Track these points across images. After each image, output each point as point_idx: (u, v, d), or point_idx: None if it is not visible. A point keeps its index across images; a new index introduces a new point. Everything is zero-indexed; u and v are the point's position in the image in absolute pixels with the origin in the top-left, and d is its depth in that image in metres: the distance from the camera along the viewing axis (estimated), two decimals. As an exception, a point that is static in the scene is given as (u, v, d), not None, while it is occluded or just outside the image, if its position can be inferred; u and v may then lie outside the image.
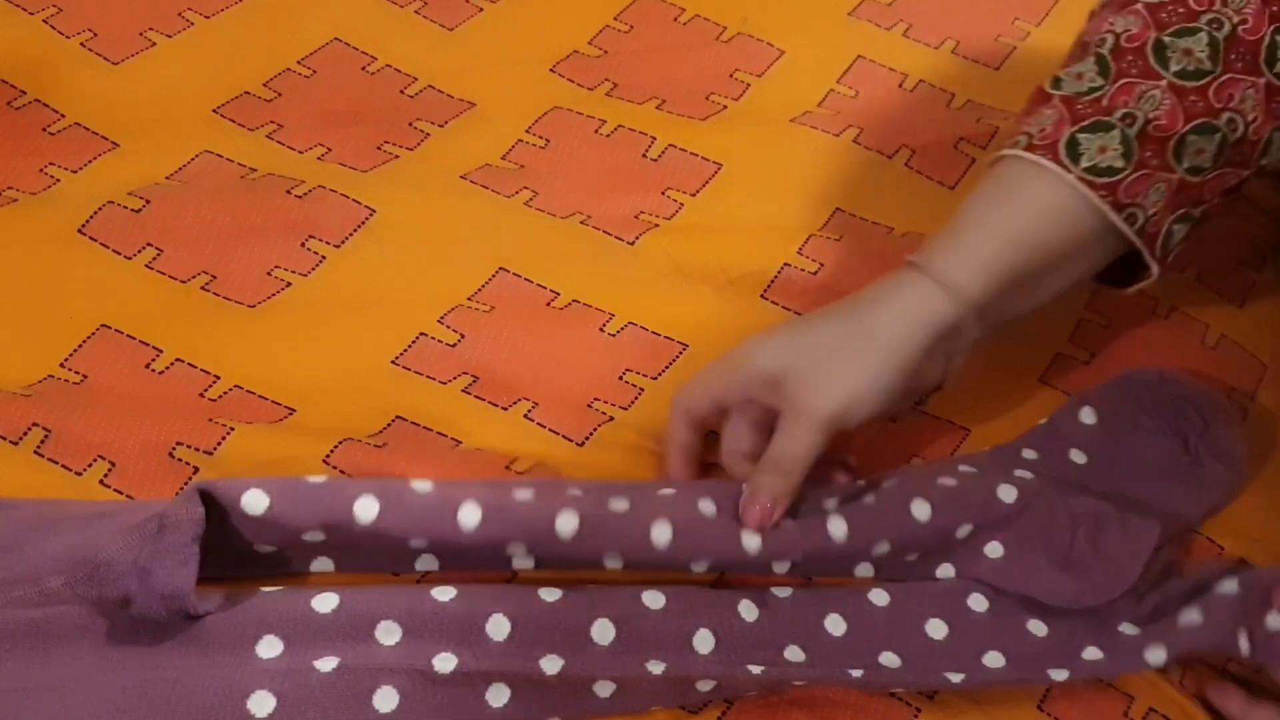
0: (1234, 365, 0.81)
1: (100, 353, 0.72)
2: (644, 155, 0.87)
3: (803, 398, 0.65)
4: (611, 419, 0.72)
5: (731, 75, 0.94)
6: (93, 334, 0.73)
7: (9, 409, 0.68)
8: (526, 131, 0.88)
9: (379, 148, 0.86)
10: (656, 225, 0.82)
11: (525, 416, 0.72)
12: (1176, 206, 0.69)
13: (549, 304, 0.77)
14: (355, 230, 0.79)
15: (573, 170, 0.85)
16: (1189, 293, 0.83)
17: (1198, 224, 0.71)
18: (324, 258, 0.78)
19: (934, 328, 0.66)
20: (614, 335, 0.76)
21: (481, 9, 0.97)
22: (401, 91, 0.90)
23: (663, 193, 0.84)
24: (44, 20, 0.90)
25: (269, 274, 0.76)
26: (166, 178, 0.82)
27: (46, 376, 0.71)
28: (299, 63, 0.91)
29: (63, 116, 0.85)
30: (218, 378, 0.71)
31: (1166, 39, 0.67)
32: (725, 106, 0.92)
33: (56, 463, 0.67)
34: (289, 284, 0.76)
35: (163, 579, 0.57)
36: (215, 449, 0.68)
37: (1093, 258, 0.69)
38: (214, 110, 0.87)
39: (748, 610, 0.64)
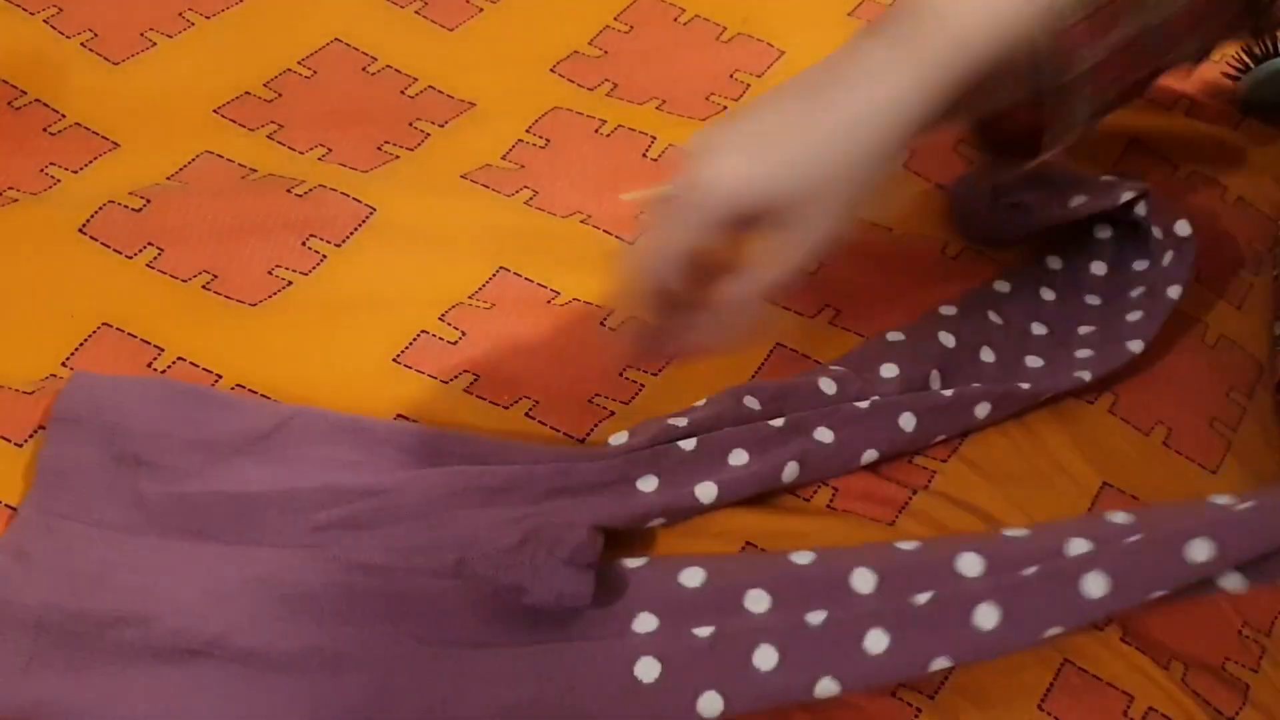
0: (1233, 365, 0.81)
1: (101, 352, 0.72)
2: (644, 155, 0.87)
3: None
4: (612, 414, 0.72)
5: (731, 75, 0.94)
6: (94, 333, 0.73)
7: (12, 409, 0.68)
8: (526, 131, 0.88)
9: (379, 148, 0.86)
10: (657, 225, 0.82)
11: (526, 415, 0.72)
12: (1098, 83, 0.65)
13: (549, 302, 0.77)
14: (356, 229, 0.79)
15: (573, 170, 0.85)
16: (1188, 293, 0.83)
17: (1100, 116, 0.68)
18: (325, 257, 0.78)
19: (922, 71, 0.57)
20: (614, 330, 0.76)
21: (481, 9, 0.97)
22: (402, 92, 0.90)
23: (663, 193, 0.85)
24: (44, 20, 0.90)
25: (270, 273, 0.77)
26: (167, 178, 0.82)
27: (48, 376, 0.71)
28: (299, 63, 0.91)
29: (63, 116, 0.85)
30: (219, 376, 0.72)
31: None
32: (725, 107, 0.92)
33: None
34: (290, 283, 0.76)
35: (565, 582, 0.60)
36: (216, 447, 0.68)
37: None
38: (214, 110, 0.87)
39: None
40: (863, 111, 0.56)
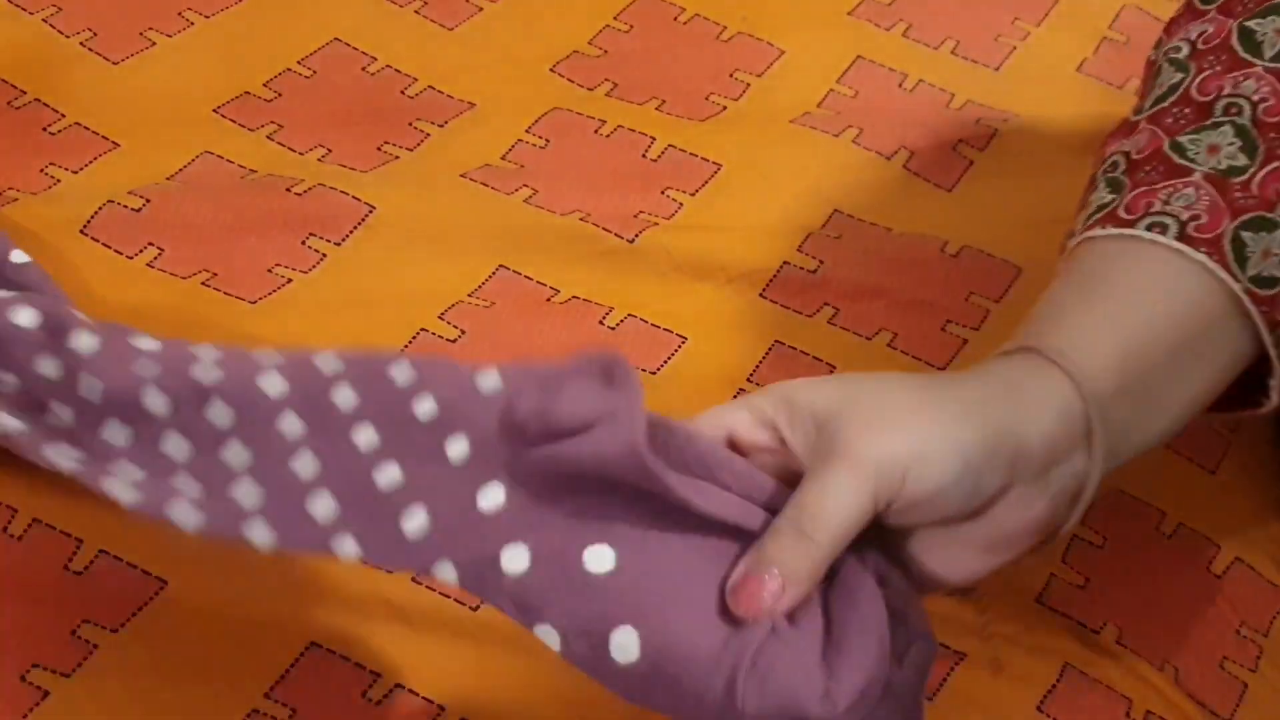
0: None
1: (100, 351, 0.72)
2: (644, 155, 0.87)
3: (849, 435, 0.48)
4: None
5: (731, 75, 0.94)
6: (93, 332, 0.73)
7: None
8: (526, 131, 0.88)
9: (379, 148, 0.86)
10: (656, 224, 0.82)
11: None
12: None
13: (548, 300, 0.77)
14: (356, 227, 0.79)
15: (572, 170, 0.86)
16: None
17: None
18: (325, 255, 0.78)
19: (1055, 418, 0.51)
20: (613, 328, 0.76)
21: (481, 9, 0.97)
22: (401, 91, 0.90)
23: (662, 192, 0.85)
24: (44, 20, 0.90)
25: (270, 271, 0.77)
26: (167, 178, 0.82)
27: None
28: (299, 63, 0.91)
29: (63, 116, 0.85)
30: (218, 376, 0.72)
31: None
32: (725, 107, 0.92)
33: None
34: (289, 280, 0.76)
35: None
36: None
37: (1222, 365, 0.56)
38: (214, 110, 0.87)
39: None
40: (1012, 426, 0.50)
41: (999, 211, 0.87)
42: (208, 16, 0.92)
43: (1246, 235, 0.55)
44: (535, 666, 0.62)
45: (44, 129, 0.84)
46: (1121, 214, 0.56)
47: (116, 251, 0.77)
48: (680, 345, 0.76)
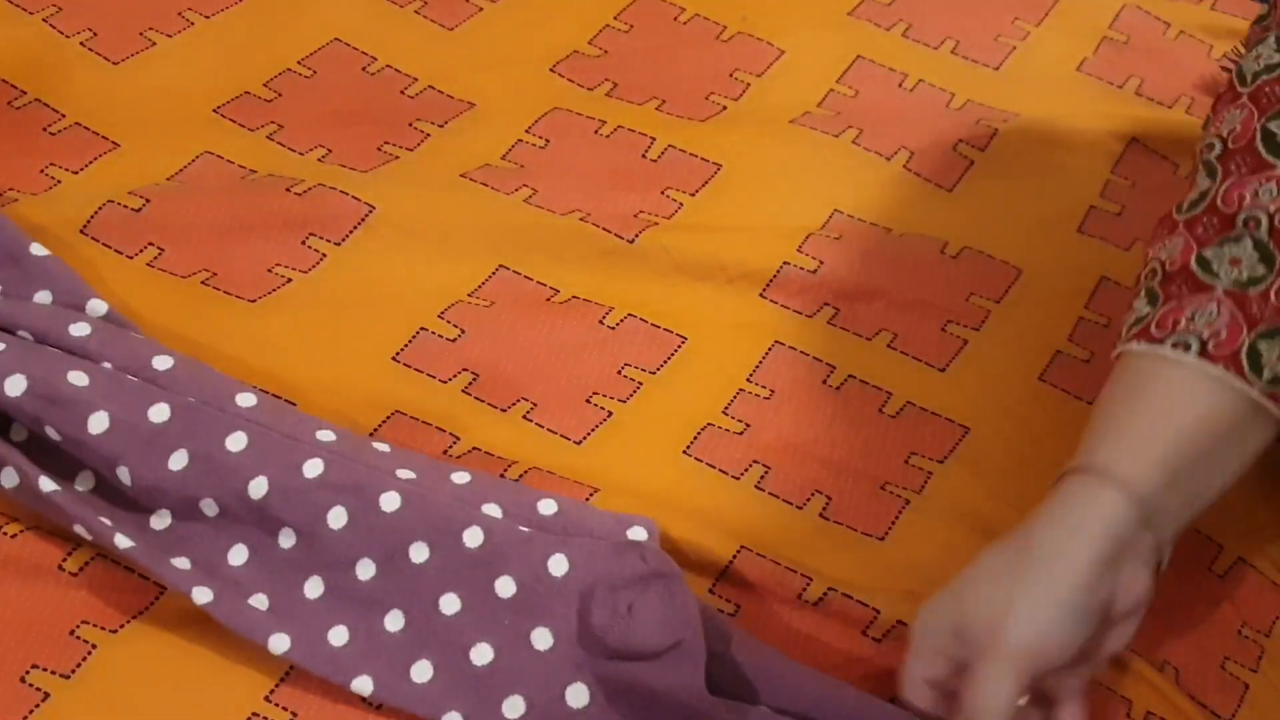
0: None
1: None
2: (644, 155, 0.87)
3: (987, 640, 0.59)
4: (610, 414, 0.72)
5: (731, 75, 0.94)
6: (93, 332, 0.73)
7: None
8: (526, 131, 0.88)
9: (379, 148, 0.86)
10: (656, 224, 0.82)
11: (524, 418, 0.72)
12: None
13: (548, 300, 0.77)
14: (355, 227, 0.79)
15: (572, 170, 0.85)
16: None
17: None
18: (325, 255, 0.78)
19: (1108, 531, 0.60)
20: (613, 328, 0.76)
21: (481, 9, 0.97)
22: (402, 91, 0.90)
23: (662, 192, 0.84)
24: (44, 20, 0.90)
25: (269, 271, 0.77)
26: (167, 178, 0.82)
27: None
28: (299, 63, 0.91)
29: (63, 116, 0.85)
30: (218, 374, 0.72)
31: None
32: (725, 107, 0.92)
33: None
34: (289, 280, 0.76)
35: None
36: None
37: (1255, 448, 0.64)
38: (214, 110, 0.87)
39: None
40: (1078, 581, 0.60)
41: (999, 212, 0.86)
42: (208, 16, 0.92)
43: (1262, 345, 0.62)
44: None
45: (44, 129, 0.84)
46: (1153, 331, 0.64)
47: (116, 251, 0.77)
48: (680, 344, 0.76)
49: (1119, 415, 0.63)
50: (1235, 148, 0.67)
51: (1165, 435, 0.62)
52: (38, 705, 0.59)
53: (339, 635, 0.62)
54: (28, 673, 0.59)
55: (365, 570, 0.63)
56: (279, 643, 0.60)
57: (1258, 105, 0.67)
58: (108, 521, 0.63)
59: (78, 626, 0.61)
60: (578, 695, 0.61)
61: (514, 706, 0.61)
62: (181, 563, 0.63)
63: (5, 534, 0.64)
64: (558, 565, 0.63)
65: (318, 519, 0.63)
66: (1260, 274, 0.63)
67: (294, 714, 0.60)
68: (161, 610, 0.62)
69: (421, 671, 0.61)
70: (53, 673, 0.60)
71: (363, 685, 0.60)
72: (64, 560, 0.63)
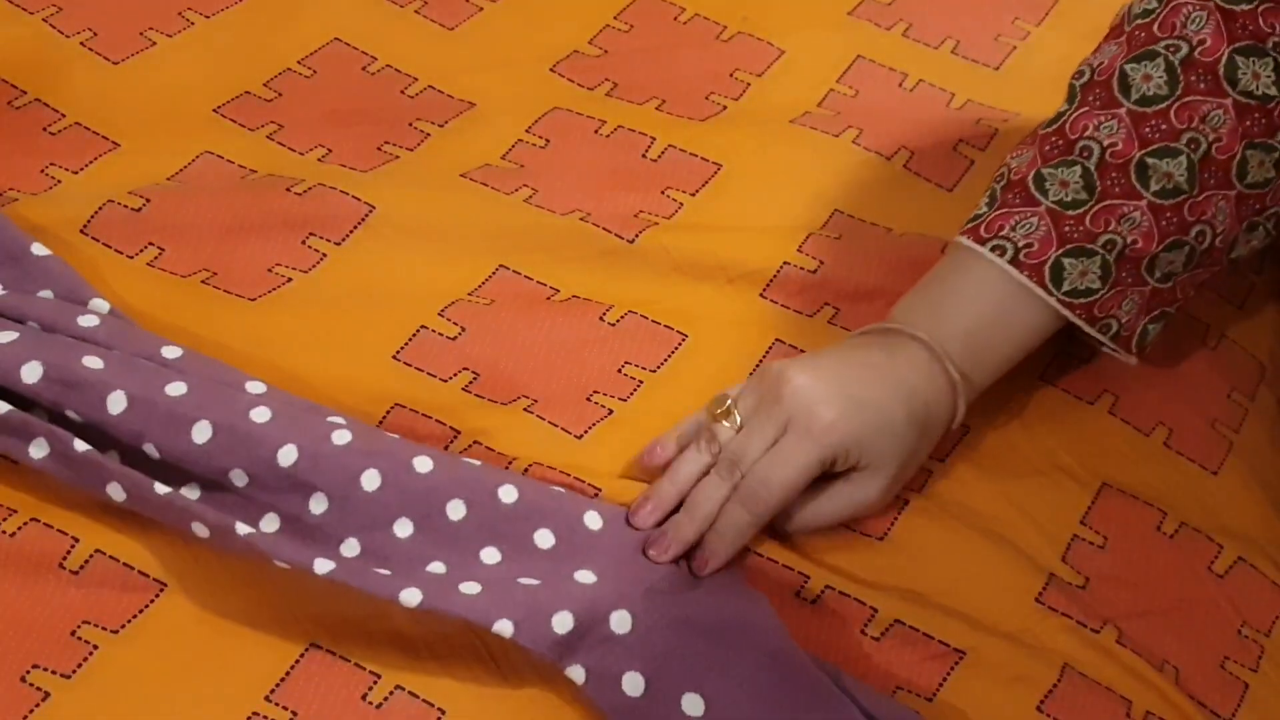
0: (1234, 366, 0.81)
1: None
2: (644, 155, 0.87)
3: (804, 407, 0.66)
4: (611, 411, 0.72)
5: (731, 75, 0.94)
6: (93, 331, 0.73)
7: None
8: (526, 131, 0.88)
9: (379, 148, 0.86)
10: (656, 224, 0.82)
11: (525, 411, 0.72)
12: (1149, 310, 0.73)
13: (549, 299, 0.77)
14: (356, 227, 0.79)
15: (573, 170, 0.85)
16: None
17: (1173, 316, 0.75)
18: (325, 255, 0.78)
19: (913, 362, 0.70)
20: (613, 325, 0.76)
21: (481, 9, 0.97)
22: (402, 91, 0.90)
23: (662, 192, 0.84)
24: (44, 20, 0.90)
25: (270, 270, 0.77)
26: (167, 178, 0.82)
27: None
28: (299, 63, 0.91)
29: (63, 116, 0.85)
30: (218, 374, 0.72)
31: (1149, 160, 0.71)
32: (725, 107, 0.92)
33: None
34: (289, 279, 0.76)
35: None
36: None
37: (1039, 338, 0.74)
38: (214, 110, 0.87)
39: None
40: (906, 386, 0.69)
41: (999, 211, 0.86)
42: (208, 16, 0.92)
43: (1066, 261, 0.71)
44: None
45: (44, 129, 0.84)
46: (982, 231, 0.72)
47: (117, 251, 0.77)
48: (681, 342, 0.76)
49: (933, 293, 0.73)
50: (1097, 80, 0.73)
51: (968, 316, 0.71)
52: (38, 705, 0.59)
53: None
54: (28, 673, 0.59)
55: (403, 529, 0.63)
56: (323, 565, 0.61)
57: (1129, 45, 0.73)
58: (140, 475, 0.63)
59: (78, 626, 0.61)
60: (620, 622, 0.62)
61: (563, 622, 0.61)
62: (201, 530, 0.63)
63: (5, 533, 0.64)
64: (593, 520, 0.65)
65: (351, 482, 0.63)
66: (1082, 199, 0.71)
67: (294, 714, 0.60)
68: (162, 610, 0.63)
69: (469, 589, 0.61)
70: (53, 673, 0.60)
71: (410, 597, 0.60)
72: (64, 558, 0.63)
